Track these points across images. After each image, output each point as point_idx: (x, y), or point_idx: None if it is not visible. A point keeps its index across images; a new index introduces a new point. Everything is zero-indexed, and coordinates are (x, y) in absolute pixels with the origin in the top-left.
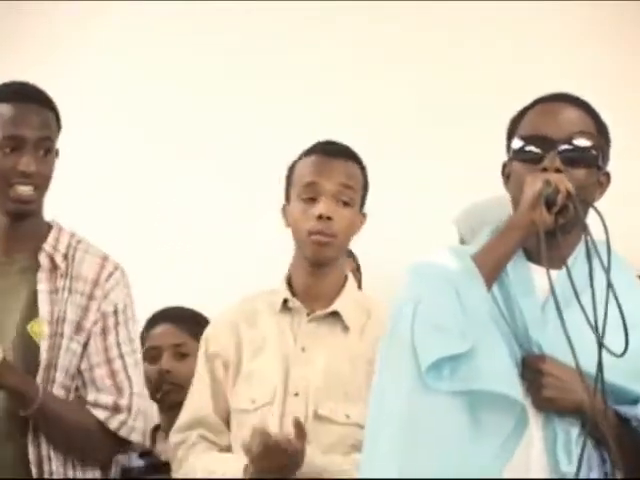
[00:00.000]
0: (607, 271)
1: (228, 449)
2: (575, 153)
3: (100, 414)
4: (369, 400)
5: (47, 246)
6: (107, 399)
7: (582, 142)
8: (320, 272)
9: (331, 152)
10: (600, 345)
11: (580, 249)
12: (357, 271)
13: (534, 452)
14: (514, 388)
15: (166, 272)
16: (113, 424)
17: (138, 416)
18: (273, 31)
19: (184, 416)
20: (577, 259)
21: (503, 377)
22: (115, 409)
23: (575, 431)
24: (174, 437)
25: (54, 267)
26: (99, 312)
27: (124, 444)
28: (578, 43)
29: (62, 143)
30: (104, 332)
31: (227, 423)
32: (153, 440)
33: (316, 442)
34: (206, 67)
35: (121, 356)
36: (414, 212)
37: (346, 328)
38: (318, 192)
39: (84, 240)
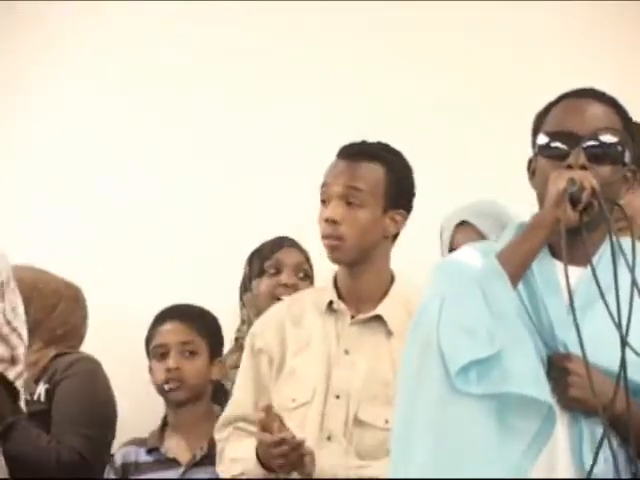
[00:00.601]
0: (632, 270)
1: None
2: (600, 149)
3: None
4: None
5: None
6: (3, 353)
7: (608, 138)
8: (356, 274)
9: (348, 154)
10: (623, 344)
11: (605, 247)
12: (306, 263)
13: (559, 451)
14: (542, 389)
15: (167, 271)
16: (11, 374)
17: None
18: (273, 30)
19: (227, 412)
20: (602, 257)
21: (531, 378)
22: (12, 361)
23: (599, 430)
24: (217, 434)
25: None
26: None
27: (16, 398)
28: (578, 43)
29: (57, 143)
30: None
31: None
32: (161, 437)
33: (355, 446)
34: (203, 66)
35: (8, 322)
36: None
37: (390, 333)
38: (328, 195)
39: None
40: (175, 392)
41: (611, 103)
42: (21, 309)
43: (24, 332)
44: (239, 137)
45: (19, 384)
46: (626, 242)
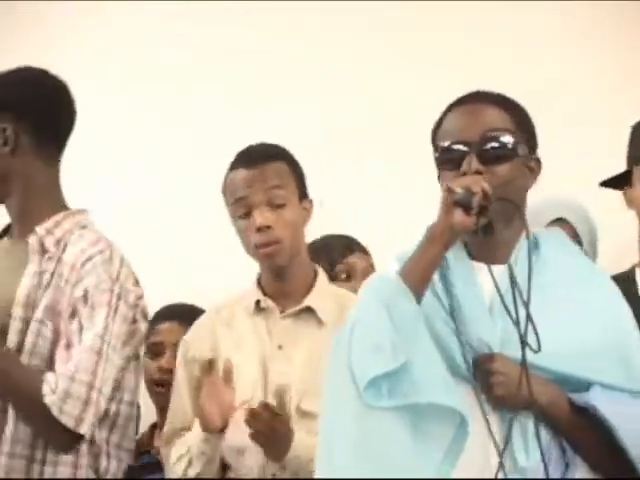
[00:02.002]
0: (529, 274)
1: None
2: (492, 151)
3: (45, 387)
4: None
5: (40, 229)
6: (52, 377)
7: (496, 138)
8: (284, 273)
9: (252, 160)
10: (523, 344)
11: (522, 244)
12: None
13: (493, 448)
14: (451, 397)
15: (167, 271)
16: (47, 399)
17: (67, 399)
18: (273, 30)
19: (168, 426)
20: (520, 254)
21: (439, 387)
22: (53, 388)
23: (531, 425)
24: (164, 450)
25: (43, 250)
26: (72, 297)
27: (70, 432)
28: (578, 43)
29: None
30: (72, 316)
31: None
32: (151, 438)
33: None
34: (203, 66)
35: (80, 341)
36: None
37: (321, 323)
38: (250, 205)
39: (90, 227)
40: (163, 394)
41: (497, 102)
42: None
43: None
44: (239, 137)
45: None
46: (551, 237)
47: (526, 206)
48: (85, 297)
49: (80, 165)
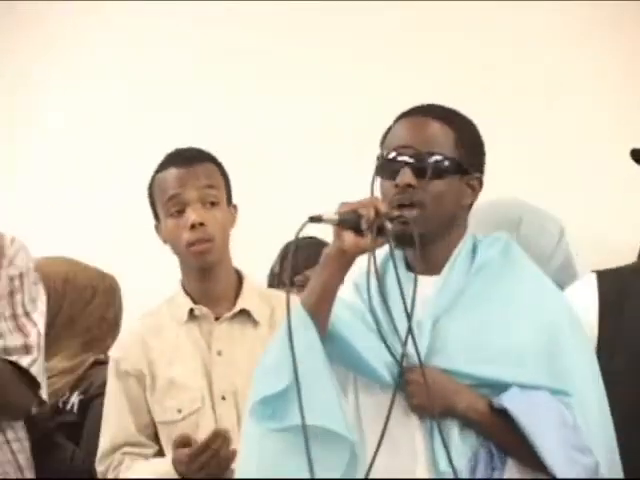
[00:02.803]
0: (398, 281)
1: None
2: (427, 165)
3: (12, 357)
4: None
5: None
6: (16, 341)
7: (434, 154)
8: (210, 275)
9: (184, 160)
10: (402, 356)
11: (458, 253)
12: None
13: (418, 457)
14: (337, 420)
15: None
16: (25, 361)
17: (42, 361)
18: (273, 30)
19: (105, 443)
20: (455, 263)
21: (328, 412)
22: (25, 349)
23: (455, 431)
24: (100, 466)
25: None
26: (7, 277)
27: (35, 388)
28: (578, 43)
29: (57, 141)
30: (11, 294)
31: (152, 437)
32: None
33: None
34: (203, 66)
35: (26, 313)
36: None
37: (256, 322)
38: (183, 202)
39: None
40: None
41: (443, 117)
42: (41, 302)
43: (41, 322)
44: (239, 137)
45: (35, 372)
46: (486, 241)
47: (465, 222)
48: (21, 275)
49: (80, 165)
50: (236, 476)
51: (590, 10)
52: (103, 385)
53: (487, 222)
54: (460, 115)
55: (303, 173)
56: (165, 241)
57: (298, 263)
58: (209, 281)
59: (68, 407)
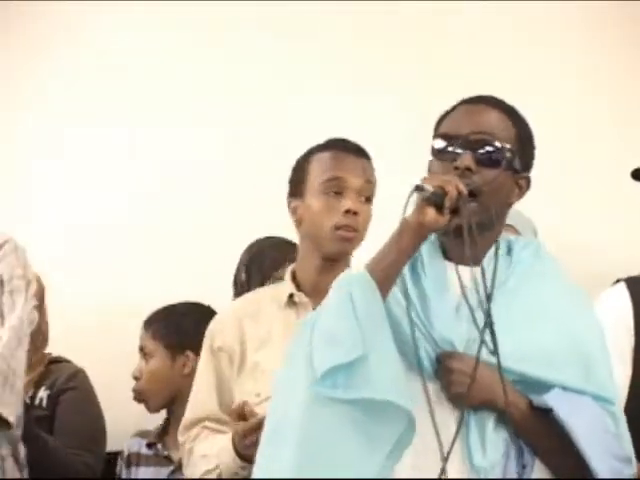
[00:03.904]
0: (493, 276)
1: None
2: (487, 153)
3: None
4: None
5: None
6: None
7: (496, 143)
8: (331, 267)
9: (352, 149)
10: (481, 344)
11: (495, 249)
12: None
13: (446, 448)
14: (402, 395)
15: (170, 271)
16: None
17: (9, 391)
18: (274, 32)
19: (189, 414)
20: (492, 259)
21: (392, 385)
22: None
23: (490, 424)
24: (181, 437)
25: None
26: None
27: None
28: (578, 43)
29: (58, 142)
30: None
31: None
32: (163, 433)
33: None
34: (203, 65)
35: (2, 324)
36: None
37: None
38: (343, 187)
39: None
40: (143, 404)
41: (507, 111)
42: (15, 314)
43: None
44: (242, 137)
45: None
46: (520, 243)
47: (504, 221)
48: (1, 283)
49: (81, 165)
50: (277, 440)
51: (591, 10)
52: (69, 380)
53: None
54: (519, 112)
55: None
56: (300, 219)
57: (265, 267)
58: (326, 273)
59: (37, 402)
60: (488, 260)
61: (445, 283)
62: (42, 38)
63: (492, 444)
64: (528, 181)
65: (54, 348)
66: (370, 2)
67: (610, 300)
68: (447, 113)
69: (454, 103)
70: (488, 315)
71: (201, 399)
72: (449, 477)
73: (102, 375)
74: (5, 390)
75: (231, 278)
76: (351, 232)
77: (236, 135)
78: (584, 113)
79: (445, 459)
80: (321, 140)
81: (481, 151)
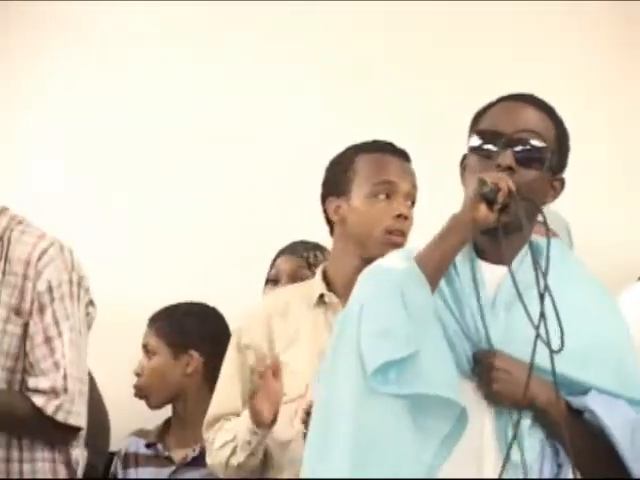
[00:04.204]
0: (545, 272)
1: None
2: (528, 153)
3: (38, 400)
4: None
5: None
6: (45, 383)
7: (537, 143)
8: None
9: (400, 153)
10: (536, 338)
11: (527, 249)
12: (299, 269)
13: (487, 444)
14: (454, 390)
15: (172, 271)
16: (49, 409)
17: (75, 399)
18: (277, 36)
19: (213, 410)
20: (525, 257)
21: (444, 380)
22: (53, 392)
23: (527, 423)
24: (206, 434)
25: None
26: (35, 292)
27: (69, 428)
28: (578, 43)
29: (59, 142)
30: (41, 311)
31: None
32: (163, 433)
33: None
34: (203, 65)
35: (60, 334)
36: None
37: None
38: (394, 191)
39: (25, 222)
40: (144, 400)
41: (548, 111)
42: (71, 319)
43: (67, 349)
44: (245, 138)
45: (63, 417)
46: (554, 242)
47: (536, 222)
48: (50, 290)
49: (82, 165)
50: (328, 437)
51: (590, 10)
52: None
53: None
54: (557, 112)
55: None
56: (343, 219)
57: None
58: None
59: None
60: (519, 260)
61: (480, 281)
62: (42, 38)
63: (529, 443)
64: (562, 183)
65: None
66: (370, 3)
67: (633, 298)
68: (486, 109)
69: (458, 102)
70: (542, 314)
71: (225, 396)
72: (486, 476)
73: (99, 375)
74: (75, 403)
75: (231, 279)
76: (401, 237)
77: (237, 136)
78: (583, 113)
79: (503, 465)
80: (320, 141)
81: (522, 150)
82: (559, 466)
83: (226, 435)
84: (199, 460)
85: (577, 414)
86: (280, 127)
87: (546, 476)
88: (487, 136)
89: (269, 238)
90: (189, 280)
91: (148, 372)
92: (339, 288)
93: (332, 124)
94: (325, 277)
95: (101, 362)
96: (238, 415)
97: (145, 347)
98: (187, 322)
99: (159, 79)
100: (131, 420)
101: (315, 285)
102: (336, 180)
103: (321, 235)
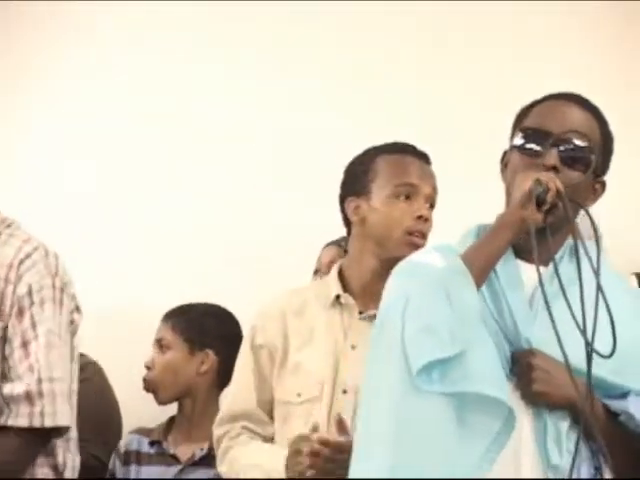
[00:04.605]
0: (596, 272)
1: (271, 439)
2: (573, 153)
3: (21, 421)
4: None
5: None
6: (20, 388)
7: (582, 144)
8: (385, 272)
9: (421, 155)
10: (587, 343)
11: (567, 247)
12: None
13: (524, 445)
14: (502, 390)
15: (174, 272)
16: (36, 422)
17: (57, 399)
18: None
19: (227, 408)
20: (563, 257)
21: (492, 379)
22: (28, 399)
23: (565, 424)
24: (217, 430)
25: None
26: (15, 295)
27: (57, 429)
28: (578, 43)
29: (59, 143)
30: (20, 314)
31: (271, 414)
32: (167, 431)
33: None
34: (203, 65)
35: (36, 337)
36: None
37: None
38: (414, 193)
39: (15, 225)
40: (153, 394)
41: (593, 111)
42: (47, 323)
43: (40, 354)
44: (245, 138)
45: (38, 423)
46: (588, 244)
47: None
48: (30, 294)
49: (82, 165)
50: (370, 434)
51: (591, 10)
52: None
53: None
54: (602, 113)
55: (310, 175)
56: (363, 219)
57: None
58: (381, 276)
59: None
60: (559, 260)
61: (518, 281)
62: (42, 38)
63: (567, 445)
64: (604, 186)
65: None
66: (371, 3)
67: None
68: (531, 106)
69: (465, 101)
70: (595, 317)
71: (239, 395)
72: (524, 476)
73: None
74: (56, 403)
75: (231, 279)
76: (421, 238)
77: (237, 136)
78: None
79: (571, 468)
80: (321, 141)
81: (568, 150)
82: (596, 469)
83: (251, 472)
84: (207, 459)
85: (613, 416)
86: (280, 127)
87: (584, 477)
88: (532, 134)
89: (269, 238)
90: (189, 280)
91: (161, 366)
92: (355, 288)
93: (332, 124)
94: (341, 277)
95: (101, 360)
96: (254, 418)
97: (159, 341)
98: (206, 322)
99: (159, 79)
100: (131, 420)
101: (331, 285)
102: (356, 180)
103: (321, 235)
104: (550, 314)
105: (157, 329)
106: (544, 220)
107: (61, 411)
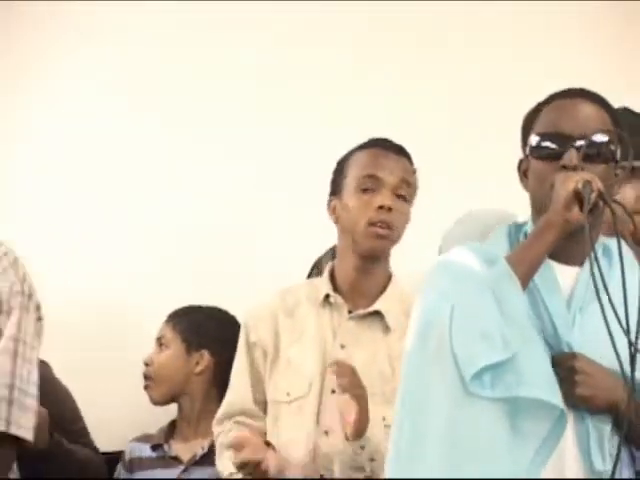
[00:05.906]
0: (623, 271)
1: (265, 434)
2: (593, 149)
3: None
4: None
5: None
6: None
7: (599, 138)
8: (367, 268)
9: (391, 147)
10: (630, 343)
11: (600, 246)
12: None
13: (567, 449)
14: (554, 393)
15: (175, 272)
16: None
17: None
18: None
19: (224, 408)
20: (599, 257)
21: (544, 382)
22: None
23: (607, 428)
24: (216, 429)
25: None
26: None
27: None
28: (578, 43)
29: (59, 143)
30: None
31: (266, 411)
32: (168, 434)
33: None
34: (203, 65)
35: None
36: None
37: (387, 328)
38: (378, 184)
39: None
40: (149, 390)
41: (600, 102)
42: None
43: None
44: (245, 138)
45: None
46: (613, 242)
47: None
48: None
49: (82, 165)
50: (419, 438)
51: (591, 10)
52: None
53: (474, 231)
54: (608, 102)
55: (310, 175)
56: (337, 218)
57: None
58: (363, 273)
59: None
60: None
61: (555, 283)
62: (42, 38)
63: (608, 448)
64: (624, 169)
65: (55, 352)
66: (371, 3)
67: None
68: (538, 109)
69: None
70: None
71: (236, 394)
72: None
73: (96, 375)
74: (13, 411)
75: (231, 279)
76: (385, 228)
77: (237, 135)
78: None
79: (613, 472)
80: (321, 141)
81: (588, 148)
82: (638, 473)
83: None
84: (208, 458)
85: None
86: (280, 127)
87: None
88: (548, 138)
89: (269, 238)
90: (189, 280)
91: (158, 363)
92: (344, 287)
93: (333, 124)
94: (332, 276)
95: (101, 364)
96: (249, 414)
97: (159, 340)
98: (206, 324)
99: (159, 79)
100: (133, 425)
101: (322, 284)
102: (333, 181)
103: (321, 235)
104: (603, 312)
105: (160, 327)
106: (586, 220)
107: (21, 423)
